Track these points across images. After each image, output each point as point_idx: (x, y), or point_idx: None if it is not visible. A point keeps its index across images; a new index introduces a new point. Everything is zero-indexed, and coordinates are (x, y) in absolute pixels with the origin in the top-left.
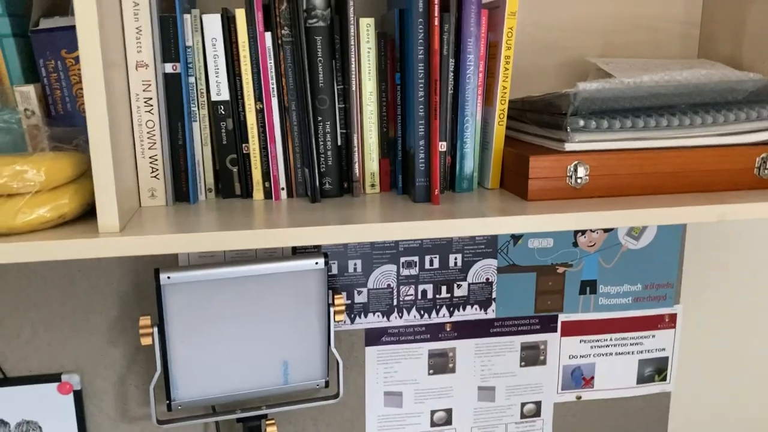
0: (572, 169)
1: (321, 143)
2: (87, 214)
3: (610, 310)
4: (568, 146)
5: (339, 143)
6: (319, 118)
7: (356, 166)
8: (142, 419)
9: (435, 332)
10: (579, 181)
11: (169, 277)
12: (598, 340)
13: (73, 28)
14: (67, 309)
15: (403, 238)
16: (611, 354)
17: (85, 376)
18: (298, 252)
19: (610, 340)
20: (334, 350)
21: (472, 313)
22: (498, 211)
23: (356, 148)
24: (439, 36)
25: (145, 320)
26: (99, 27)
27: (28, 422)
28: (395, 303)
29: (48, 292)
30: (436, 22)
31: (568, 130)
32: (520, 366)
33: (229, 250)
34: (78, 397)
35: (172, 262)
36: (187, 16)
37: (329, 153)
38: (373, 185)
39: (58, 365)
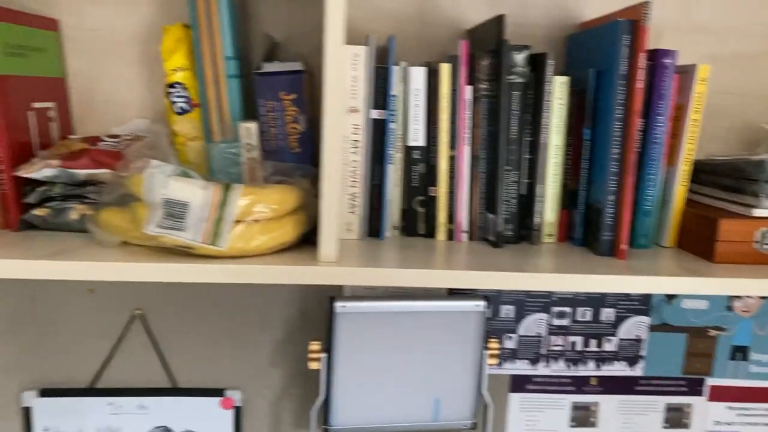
0: (760, 234)
1: (506, 191)
2: (297, 244)
3: (761, 378)
4: (758, 212)
5: (522, 192)
6: (507, 168)
7: (537, 215)
8: None
9: (580, 385)
10: (766, 246)
11: (343, 306)
12: (746, 409)
13: (291, 72)
14: (236, 328)
15: (591, 290)
16: (758, 424)
17: (246, 394)
18: (454, 292)
19: (760, 410)
20: (485, 393)
21: (619, 369)
22: (688, 272)
23: (538, 198)
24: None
25: (315, 345)
26: (342, 78)
27: None
28: (543, 352)
29: (221, 311)
30: (640, 85)
31: (761, 196)
32: (663, 427)
33: (433, 287)
34: (238, 413)
35: (337, 291)
36: (395, 68)
37: (513, 201)
38: (550, 235)
39: (223, 381)
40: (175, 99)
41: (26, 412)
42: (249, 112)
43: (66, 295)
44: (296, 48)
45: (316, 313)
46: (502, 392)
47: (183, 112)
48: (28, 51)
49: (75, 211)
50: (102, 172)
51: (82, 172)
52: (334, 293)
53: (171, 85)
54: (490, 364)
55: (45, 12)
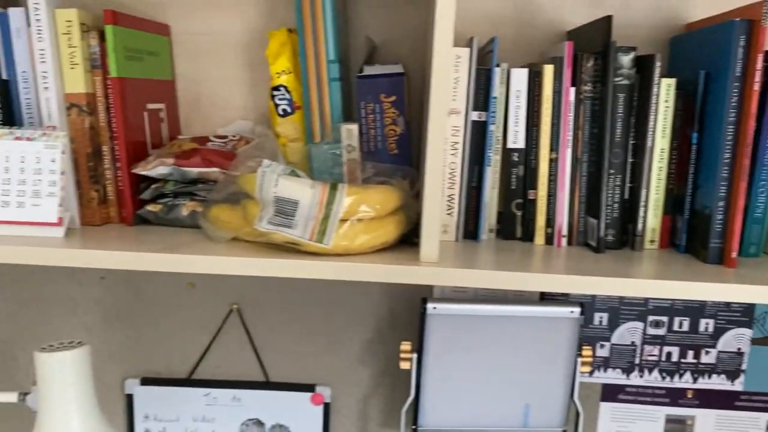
0: None
1: (609, 195)
2: (396, 244)
3: None
4: None
5: (625, 196)
6: (611, 171)
7: (640, 220)
8: None
9: (675, 397)
10: None
11: (435, 308)
12: None
13: (392, 75)
14: (328, 326)
15: (700, 298)
16: None
17: (335, 391)
18: (546, 298)
19: None
20: (576, 401)
21: (717, 383)
22: None
23: (642, 203)
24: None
25: (406, 345)
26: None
27: (281, 426)
28: (637, 361)
29: (312, 308)
30: (756, 87)
31: None
32: None
33: (535, 290)
34: (326, 409)
35: (427, 292)
36: (497, 69)
37: (615, 205)
38: (652, 241)
39: (313, 377)
40: (279, 101)
41: (129, 399)
42: (347, 114)
43: (168, 289)
44: (393, 51)
45: (405, 314)
46: (592, 401)
47: (285, 114)
48: (144, 55)
49: (185, 208)
50: (212, 171)
51: (194, 170)
52: (424, 294)
53: (275, 88)
54: (582, 372)
55: (159, 17)
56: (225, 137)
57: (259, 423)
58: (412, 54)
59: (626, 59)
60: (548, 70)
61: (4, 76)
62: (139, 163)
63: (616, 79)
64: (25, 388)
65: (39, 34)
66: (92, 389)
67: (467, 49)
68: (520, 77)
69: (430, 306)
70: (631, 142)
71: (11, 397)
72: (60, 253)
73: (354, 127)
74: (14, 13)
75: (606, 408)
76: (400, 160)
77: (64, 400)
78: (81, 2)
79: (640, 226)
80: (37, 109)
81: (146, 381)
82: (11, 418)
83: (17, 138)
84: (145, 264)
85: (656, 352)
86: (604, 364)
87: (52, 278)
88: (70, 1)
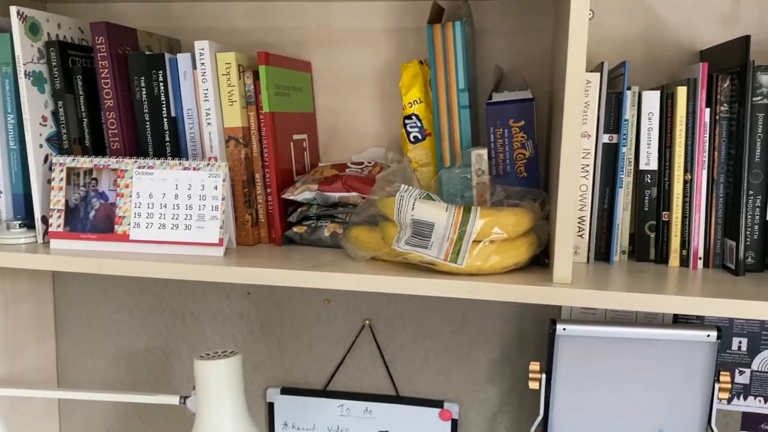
0: None
1: (748, 217)
2: (527, 265)
3: None
4: None
5: (766, 218)
6: (750, 192)
7: None
8: None
9: None
10: None
11: (564, 329)
12: None
13: (520, 101)
14: (456, 343)
15: None
16: None
17: (463, 407)
18: (679, 321)
19: None
20: (714, 428)
21: None
22: None
23: None
24: None
25: (535, 365)
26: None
27: None
28: None
29: (442, 325)
30: None
31: None
32: None
33: (673, 313)
34: (454, 425)
35: (554, 313)
36: (627, 92)
37: (756, 227)
38: None
39: (441, 392)
40: (410, 129)
41: (270, 407)
42: (474, 139)
43: (306, 305)
44: (520, 77)
45: (532, 334)
46: (732, 430)
47: (416, 141)
48: (291, 90)
49: (327, 229)
50: (351, 195)
51: (335, 195)
52: (552, 315)
53: (407, 117)
54: (720, 399)
55: (302, 56)
56: (361, 163)
57: None
58: (539, 78)
59: (765, 78)
60: (681, 92)
61: (173, 114)
62: (287, 188)
63: (755, 98)
64: (180, 392)
65: (203, 75)
66: (243, 395)
67: (597, 74)
68: (652, 99)
69: (559, 327)
70: None
71: (173, 400)
72: (222, 270)
73: (484, 152)
74: (182, 58)
75: None
76: (529, 182)
77: (219, 404)
78: (236, 45)
79: None
80: (199, 142)
81: (286, 390)
82: (173, 419)
83: (185, 168)
84: (294, 280)
85: None
86: (744, 391)
87: (204, 293)
88: (226, 44)
